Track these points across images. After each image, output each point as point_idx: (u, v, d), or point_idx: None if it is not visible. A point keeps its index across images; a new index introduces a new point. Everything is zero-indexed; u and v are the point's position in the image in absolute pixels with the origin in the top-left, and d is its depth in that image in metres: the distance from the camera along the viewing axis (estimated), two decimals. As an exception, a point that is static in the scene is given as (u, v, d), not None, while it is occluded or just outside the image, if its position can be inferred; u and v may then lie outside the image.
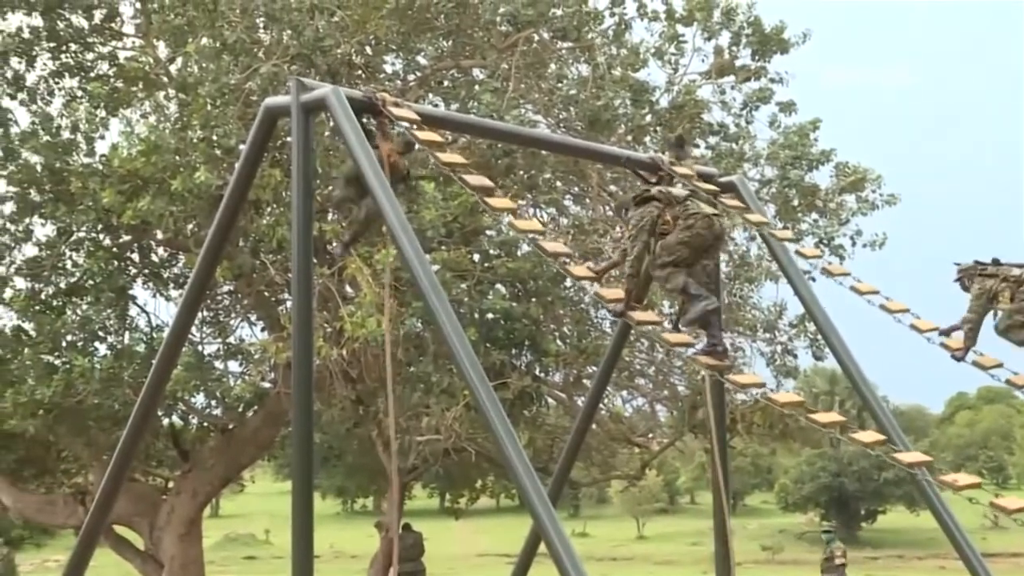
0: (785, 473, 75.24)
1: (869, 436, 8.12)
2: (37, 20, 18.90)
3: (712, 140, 19.12)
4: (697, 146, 19.00)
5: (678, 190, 9.11)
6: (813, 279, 12.49)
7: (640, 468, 25.51)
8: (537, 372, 18.54)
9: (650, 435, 22.99)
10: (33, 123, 18.39)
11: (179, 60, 18.82)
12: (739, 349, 19.12)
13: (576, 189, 19.69)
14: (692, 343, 8.83)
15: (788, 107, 19.14)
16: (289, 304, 16.60)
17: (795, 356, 19.51)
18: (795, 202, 18.83)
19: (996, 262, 10.99)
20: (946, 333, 10.90)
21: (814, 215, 18.98)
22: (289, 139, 11.69)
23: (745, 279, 19.13)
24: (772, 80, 19.00)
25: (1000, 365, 10.67)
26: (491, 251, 17.95)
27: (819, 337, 17.51)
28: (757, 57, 18.96)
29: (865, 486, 68.18)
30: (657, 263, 8.72)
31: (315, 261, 11.66)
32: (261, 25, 17.40)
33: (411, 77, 19.29)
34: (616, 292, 8.96)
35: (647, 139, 18.54)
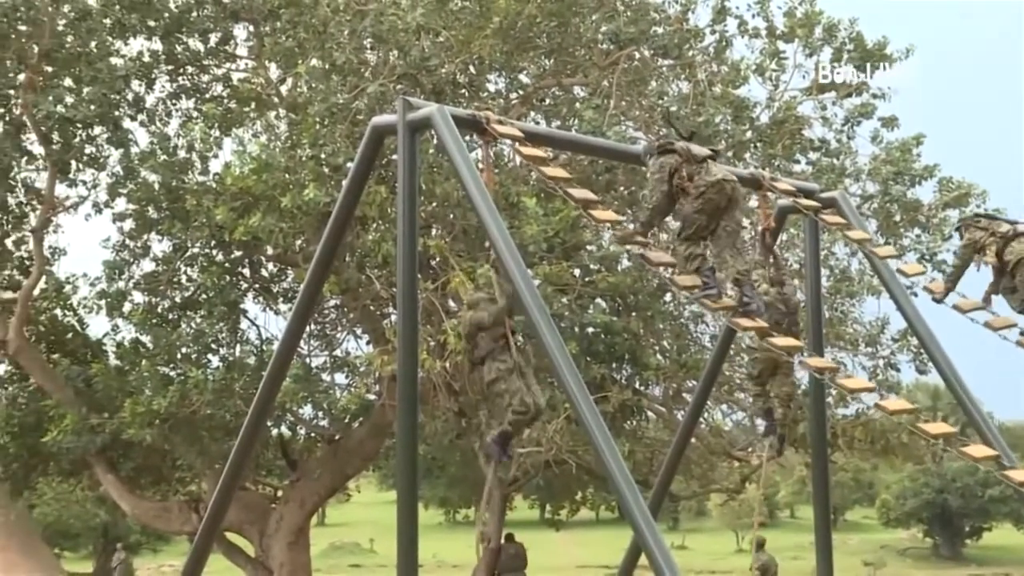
0: (887, 489, 73.61)
1: (979, 451, 7.91)
2: (156, 44, 19.42)
3: (813, 156, 18.88)
4: (798, 162, 18.78)
5: (699, 148, 9.01)
6: (915, 294, 12.25)
7: (740, 482, 25.21)
8: (637, 386, 18.45)
9: (750, 449, 22.70)
10: (151, 143, 18.85)
11: (290, 81, 19.17)
12: (840, 364, 18.81)
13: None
14: (712, 295, 8.66)
15: (890, 122, 18.81)
16: (394, 318, 16.76)
17: (898, 370, 19.17)
18: (897, 217, 18.49)
19: (990, 216, 11.06)
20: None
21: (916, 230, 18.62)
22: (395, 157, 11.80)
23: (846, 294, 18.84)
24: (874, 95, 18.69)
25: None
26: (592, 266, 17.92)
27: (922, 351, 17.16)
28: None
29: (969, 503, 66.38)
30: (680, 236, 8.77)
31: (419, 276, 11.75)
32: (368, 46, 17.62)
33: (514, 95, 19.38)
34: (691, 279, 8.85)
35: (747, 155, 18.37)
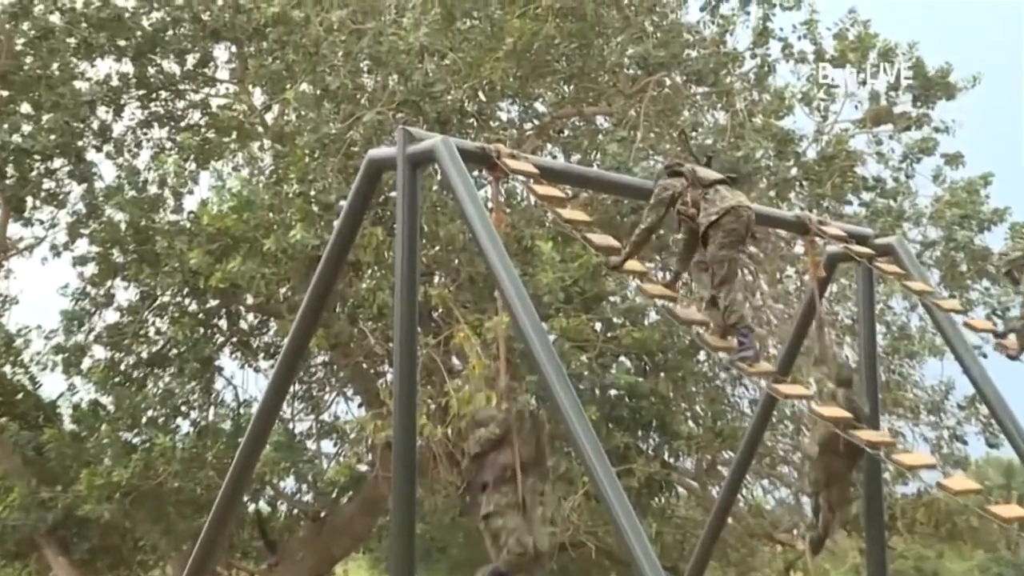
0: (953, 579, 73.01)
1: (1059, 538, 7.87)
2: (127, 66, 19.60)
3: (867, 196, 18.92)
4: (849, 203, 18.82)
5: (707, 172, 9.05)
6: (984, 355, 12.24)
7: (784, 570, 25.01)
8: (666, 457, 18.38)
9: (795, 531, 22.55)
10: (118, 177, 18.98)
11: (276, 108, 19.34)
12: (898, 435, 18.74)
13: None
14: (730, 347, 8.70)
15: (954, 159, 18.87)
16: (390, 377, 16.74)
17: (965, 443, 19.06)
18: (963, 267, 18.48)
19: None
20: (1002, 335, 10.71)
21: (985, 282, 18.60)
22: (393, 194, 11.87)
23: (905, 354, 18.80)
24: (936, 129, 18.75)
25: None
26: (615, 319, 17.93)
27: (992, 421, 17.08)
28: (919, 103, 18.73)
29: (1049, 596, 65.77)
30: (715, 282, 8.66)
31: (419, 329, 11.76)
32: (365, 70, 17.79)
33: (528, 126, 19.52)
34: (725, 342, 8.86)
35: (792, 195, 18.42)
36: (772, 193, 18.15)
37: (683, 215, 8.81)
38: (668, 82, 18.63)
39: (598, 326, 17.54)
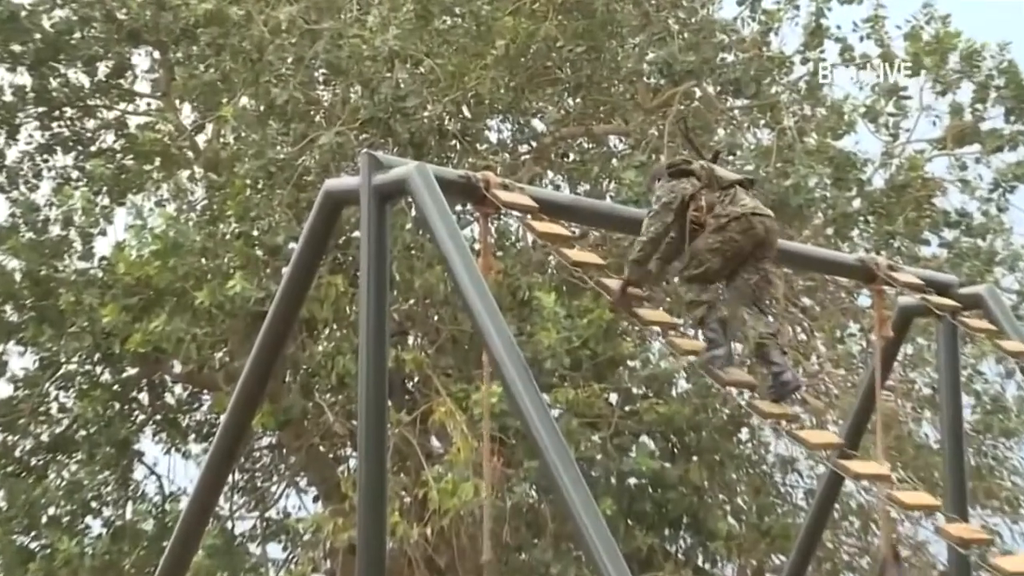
0: None
1: None
2: (23, 77, 19.57)
3: (949, 234, 18.92)
4: (927, 243, 18.83)
5: (725, 171, 9.11)
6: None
7: None
8: (700, 562, 18.32)
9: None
10: (13, 215, 18.95)
11: (209, 128, 19.36)
12: (993, 532, 18.67)
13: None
14: (752, 383, 8.77)
15: (1058, 187, 18.91)
16: (353, 464, 16.69)
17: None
18: (1071, 322, 18.49)
19: None
20: None
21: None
22: (356, 234, 11.88)
23: (1000, 432, 18.75)
24: (1034, 151, 18.80)
25: None
26: (635, 389, 17.91)
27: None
28: (1013, 118, 18.77)
29: None
30: (684, 274, 8.89)
31: (390, 403, 11.74)
32: (321, 80, 17.84)
33: (524, 148, 19.55)
34: (692, 343, 8.93)
35: (855, 232, 18.44)
36: (830, 231, 18.18)
37: (696, 224, 8.88)
38: (698, 93, 18.68)
39: (613, 398, 17.51)
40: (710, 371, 8.89)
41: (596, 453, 16.63)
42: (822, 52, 18.84)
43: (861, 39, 18.83)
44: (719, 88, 18.67)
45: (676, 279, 9.01)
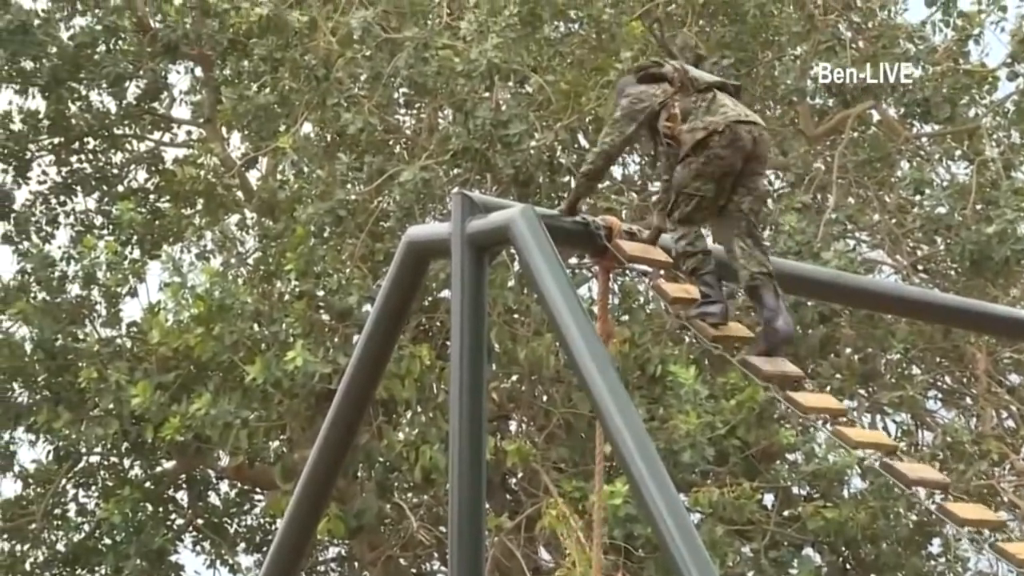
0: None
1: None
2: (35, 100, 19.73)
3: None
4: None
5: (702, 73, 9.17)
6: None
7: None
8: None
9: None
10: (23, 272, 19.08)
11: (264, 162, 19.46)
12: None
13: (948, 382, 19.47)
14: (800, 375, 9.03)
15: None
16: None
17: None
18: None
19: None
20: None
21: None
22: (446, 294, 12.00)
23: None
24: None
25: None
26: (796, 489, 17.86)
27: None
28: None
29: None
30: (674, 216, 9.00)
31: (488, 505, 11.82)
32: (402, 102, 17.96)
33: (656, 185, 19.60)
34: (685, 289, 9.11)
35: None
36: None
37: (670, 137, 8.97)
38: (876, 116, 18.63)
39: (768, 499, 17.47)
40: (695, 326, 9.10)
41: (747, 569, 16.61)
42: (1035, 65, 18.72)
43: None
44: (903, 110, 18.58)
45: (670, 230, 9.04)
